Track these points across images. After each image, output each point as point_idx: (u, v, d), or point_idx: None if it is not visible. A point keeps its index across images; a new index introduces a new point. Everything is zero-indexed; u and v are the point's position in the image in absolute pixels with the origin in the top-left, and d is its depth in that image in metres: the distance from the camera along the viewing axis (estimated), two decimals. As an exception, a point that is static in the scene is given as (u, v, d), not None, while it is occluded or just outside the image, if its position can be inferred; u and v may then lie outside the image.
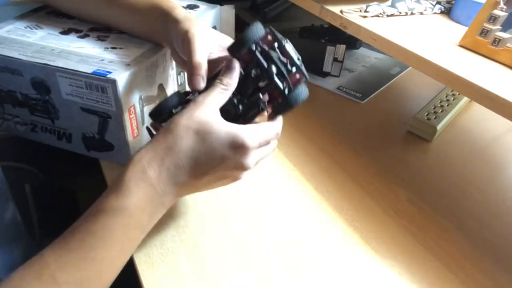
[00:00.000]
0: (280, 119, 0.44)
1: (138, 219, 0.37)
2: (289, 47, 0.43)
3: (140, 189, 0.37)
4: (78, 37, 0.55)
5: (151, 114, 0.44)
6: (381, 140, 0.70)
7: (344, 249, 0.49)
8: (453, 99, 0.78)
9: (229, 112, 0.42)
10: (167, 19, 0.48)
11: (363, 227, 0.52)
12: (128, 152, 0.54)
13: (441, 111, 0.73)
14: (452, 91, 0.80)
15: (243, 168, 0.40)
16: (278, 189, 0.57)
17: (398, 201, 0.57)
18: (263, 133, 0.41)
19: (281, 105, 0.43)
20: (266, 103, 0.43)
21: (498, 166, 0.67)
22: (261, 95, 0.42)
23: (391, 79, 0.87)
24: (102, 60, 0.49)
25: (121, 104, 0.48)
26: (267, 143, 0.42)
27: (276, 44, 0.43)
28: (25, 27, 0.56)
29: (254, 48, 0.42)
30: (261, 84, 0.43)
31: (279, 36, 0.43)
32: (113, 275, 0.37)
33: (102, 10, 0.56)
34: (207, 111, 0.39)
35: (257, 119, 0.45)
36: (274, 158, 0.62)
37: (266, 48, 0.43)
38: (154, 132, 0.46)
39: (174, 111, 0.44)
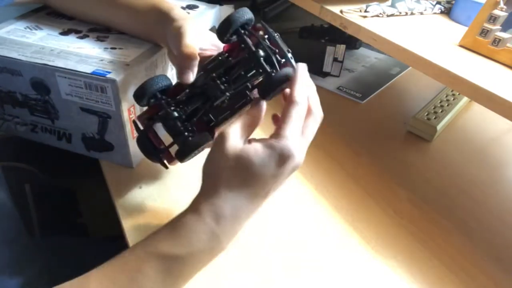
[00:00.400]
0: (300, 96, 0.42)
1: (191, 268, 0.37)
2: (278, 39, 0.43)
3: (194, 242, 0.36)
4: (77, 37, 0.55)
5: (135, 94, 0.43)
6: (381, 140, 0.70)
7: (344, 249, 0.49)
8: (453, 99, 0.78)
9: (216, 100, 0.43)
10: (165, 20, 0.48)
11: (363, 227, 0.52)
12: (128, 152, 0.54)
13: (441, 111, 0.73)
14: (452, 91, 0.80)
15: (298, 167, 0.39)
16: (278, 189, 0.57)
17: (398, 201, 0.57)
18: (296, 127, 0.40)
19: (266, 84, 0.42)
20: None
21: (498, 166, 0.67)
22: (249, 85, 0.42)
23: (391, 79, 0.87)
24: (102, 60, 0.49)
25: (120, 104, 0.48)
26: (305, 128, 0.41)
27: (266, 36, 0.43)
28: (25, 28, 0.56)
29: (242, 31, 0.42)
30: (249, 74, 0.43)
31: (270, 30, 0.43)
32: None
33: (102, 11, 0.56)
34: (234, 143, 0.39)
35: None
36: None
37: (258, 34, 0.43)
38: (141, 127, 0.46)
39: (159, 95, 0.44)
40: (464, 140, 0.71)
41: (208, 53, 0.48)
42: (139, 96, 0.44)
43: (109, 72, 0.47)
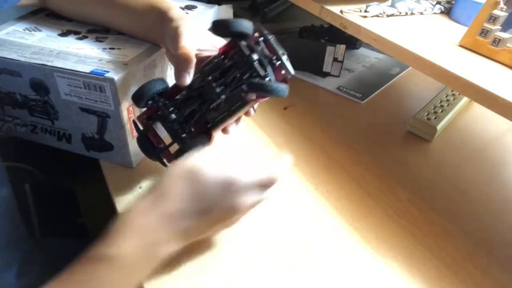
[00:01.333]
0: (282, 163, 0.44)
1: (129, 269, 0.36)
2: (274, 42, 0.43)
3: (131, 239, 0.36)
4: (76, 38, 0.55)
5: (133, 97, 0.44)
6: (381, 140, 0.69)
7: (344, 249, 0.49)
8: (453, 99, 0.78)
9: (212, 102, 0.44)
10: (163, 19, 0.48)
11: (363, 227, 0.52)
12: (128, 152, 0.54)
13: (441, 111, 0.73)
14: (452, 91, 0.80)
15: (239, 209, 0.39)
16: (278, 189, 0.57)
17: (398, 201, 0.57)
18: (258, 174, 0.40)
19: (257, 82, 0.42)
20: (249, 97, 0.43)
21: (498, 166, 0.67)
22: (244, 87, 0.42)
23: (391, 79, 0.87)
24: (100, 60, 0.49)
25: (119, 104, 0.48)
26: (265, 185, 0.41)
27: (261, 39, 0.43)
28: (24, 29, 0.56)
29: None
30: (245, 76, 0.43)
31: (265, 31, 0.43)
32: None
33: (100, 12, 0.56)
34: (197, 158, 0.40)
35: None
36: (274, 158, 0.62)
37: (252, 42, 0.43)
38: (141, 127, 0.47)
39: (157, 98, 0.45)
40: (464, 140, 0.71)
41: (207, 53, 0.48)
42: (137, 99, 0.45)
43: (108, 72, 0.47)
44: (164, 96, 0.46)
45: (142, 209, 0.37)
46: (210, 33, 0.50)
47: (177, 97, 0.46)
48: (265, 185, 0.41)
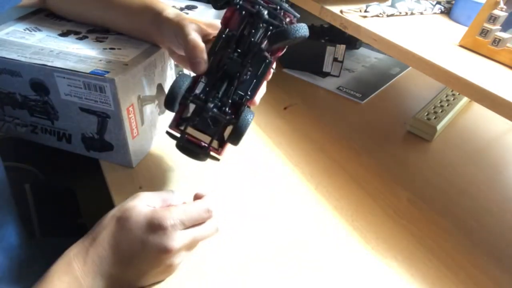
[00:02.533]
0: (207, 198, 0.43)
1: None
2: None
3: (62, 282, 0.36)
4: (76, 38, 0.55)
5: (167, 102, 0.43)
6: (381, 140, 0.69)
7: (344, 249, 0.49)
8: (453, 99, 0.78)
9: (241, 75, 0.43)
10: (159, 19, 0.49)
11: (363, 227, 0.52)
12: (128, 152, 0.54)
13: (441, 111, 0.73)
14: (452, 91, 0.80)
15: (166, 250, 0.38)
16: (278, 189, 0.57)
17: (398, 201, 0.57)
18: (184, 212, 0.40)
19: (278, 32, 0.41)
20: (270, 55, 0.43)
21: (498, 166, 0.67)
22: (262, 47, 0.42)
23: (391, 79, 0.87)
24: (100, 60, 0.49)
25: (119, 104, 0.48)
26: (196, 222, 0.41)
27: None
28: (24, 30, 0.56)
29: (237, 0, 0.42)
30: (258, 37, 0.42)
31: None
32: None
33: (99, 13, 0.56)
34: (135, 200, 0.40)
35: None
36: (274, 158, 0.62)
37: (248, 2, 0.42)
38: (177, 135, 0.46)
39: (186, 94, 0.43)
40: (464, 140, 0.71)
41: (211, 37, 0.48)
42: (171, 102, 0.43)
43: (108, 72, 0.47)
44: (190, 92, 0.44)
45: (78, 252, 0.38)
46: (208, 19, 0.50)
47: (204, 87, 0.45)
48: (188, 223, 0.40)
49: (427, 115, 0.71)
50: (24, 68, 0.49)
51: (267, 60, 0.43)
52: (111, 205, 0.52)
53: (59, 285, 0.36)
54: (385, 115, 0.76)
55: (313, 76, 0.85)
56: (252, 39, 0.42)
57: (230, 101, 0.44)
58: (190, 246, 0.41)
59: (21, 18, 0.59)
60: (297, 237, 0.50)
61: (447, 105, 0.75)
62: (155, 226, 0.37)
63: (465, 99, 0.79)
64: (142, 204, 0.40)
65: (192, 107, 0.45)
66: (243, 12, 0.42)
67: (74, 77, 0.47)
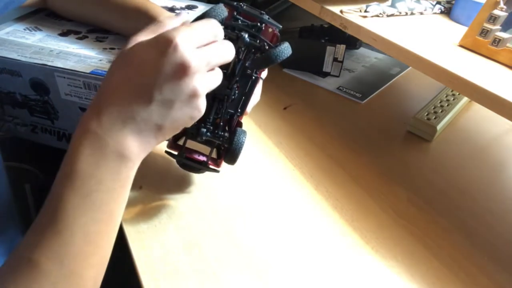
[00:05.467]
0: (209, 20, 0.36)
1: (95, 179, 0.32)
2: (247, 8, 0.43)
3: (85, 147, 0.32)
4: (77, 38, 0.55)
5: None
6: (381, 140, 0.69)
7: (344, 249, 0.49)
8: (453, 99, 0.78)
9: (229, 97, 0.44)
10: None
11: (363, 227, 0.52)
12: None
13: (441, 111, 0.73)
14: (452, 91, 0.80)
15: (183, 66, 0.32)
16: (278, 189, 0.57)
17: (398, 201, 0.57)
18: (191, 28, 0.33)
19: (261, 59, 0.41)
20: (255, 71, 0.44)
21: (498, 166, 0.67)
22: (247, 65, 0.43)
23: (391, 79, 0.87)
24: (101, 60, 0.49)
25: (120, 105, 0.48)
26: (206, 39, 0.34)
27: (234, 13, 0.43)
28: (24, 29, 0.56)
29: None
30: (241, 56, 0.43)
31: (234, 3, 0.43)
32: (89, 246, 0.32)
33: (98, 14, 0.57)
34: (131, 41, 0.35)
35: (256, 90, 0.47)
36: (274, 158, 0.62)
37: (230, 22, 0.43)
38: (175, 153, 0.49)
39: None
40: (464, 140, 0.71)
41: None
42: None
43: (109, 72, 0.47)
44: None
45: (90, 112, 0.33)
46: None
47: None
48: (198, 39, 0.34)
49: (427, 115, 0.71)
50: (24, 68, 0.49)
51: (253, 77, 0.44)
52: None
53: (82, 149, 0.32)
54: (385, 115, 0.76)
55: (313, 76, 0.85)
56: (236, 60, 0.43)
57: (221, 123, 0.46)
58: (208, 65, 0.34)
59: (21, 18, 0.59)
60: (296, 237, 0.50)
61: (447, 105, 0.75)
62: (162, 45, 0.32)
63: (465, 99, 0.79)
64: (141, 39, 0.35)
65: None
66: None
67: (74, 77, 0.48)
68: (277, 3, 1.08)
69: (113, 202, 0.34)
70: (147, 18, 0.51)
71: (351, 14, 0.56)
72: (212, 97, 0.45)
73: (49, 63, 0.48)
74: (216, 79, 0.36)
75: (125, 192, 0.36)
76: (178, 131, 0.36)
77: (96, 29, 0.57)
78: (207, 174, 0.56)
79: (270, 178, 0.59)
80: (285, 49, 0.40)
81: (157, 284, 0.43)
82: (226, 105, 0.45)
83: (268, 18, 0.43)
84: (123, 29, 0.56)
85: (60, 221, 0.31)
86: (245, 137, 0.46)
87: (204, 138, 0.45)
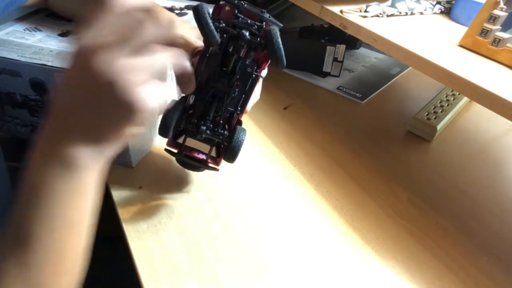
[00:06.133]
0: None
1: (47, 190, 0.33)
2: (248, 7, 0.43)
3: (34, 159, 0.34)
4: (77, 37, 0.55)
5: (159, 133, 0.45)
6: (381, 140, 0.69)
7: (344, 249, 0.49)
8: (453, 99, 0.78)
9: (229, 95, 0.44)
10: None
11: (363, 227, 0.52)
12: (128, 152, 0.54)
13: (441, 111, 0.73)
14: (452, 91, 0.80)
15: (80, 49, 0.30)
16: (278, 189, 0.57)
17: (398, 201, 0.57)
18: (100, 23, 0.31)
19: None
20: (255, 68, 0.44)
21: (498, 166, 0.67)
22: (247, 63, 0.43)
23: (391, 79, 0.87)
24: (102, 60, 0.49)
25: (120, 105, 0.48)
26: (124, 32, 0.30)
27: (236, 11, 0.43)
28: (24, 30, 0.56)
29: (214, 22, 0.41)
30: (242, 54, 0.42)
31: (235, 1, 0.42)
32: (53, 254, 0.33)
33: None
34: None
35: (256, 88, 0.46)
36: (274, 158, 0.62)
37: (231, 19, 0.42)
38: (174, 150, 0.49)
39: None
40: (464, 140, 0.71)
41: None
42: (165, 132, 0.45)
43: (109, 73, 0.47)
44: (182, 113, 0.46)
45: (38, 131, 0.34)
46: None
47: (196, 110, 0.46)
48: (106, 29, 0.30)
49: (427, 115, 0.71)
50: (24, 68, 0.49)
51: (254, 75, 0.44)
52: (111, 205, 0.52)
53: (32, 164, 0.33)
54: (385, 115, 0.76)
55: (313, 76, 0.85)
56: (236, 59, 0.43)
57: (221, 121, 0.46)
58: (122, 38, 0.30)
59: (21, 18, 0.59)
60: (296, 237, 0.50)
61: (447, 105, 0.75)
62: (79, 61, 0.31)
63: (465, 99, 0.79)
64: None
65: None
66: (225, 35, 0.42)
67: (74, 77, 0.47)
68: (277, 3, 1.08)
69: (71, 210, 0.34)
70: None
71: (351, 14, 0.56)
72: (212, 95, 0.45)
73: (49, 63, 0.48)
74: (135, 62, 0.31)
75: (84, 200, 0.35)
76: (121, 135, 0.34)
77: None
78: (207, 173, 0.56)
79: (270, 178, 0.59)
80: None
81: (157, 284, 0.43)
82: (226, 103, 0.45)
83: (269, 17, 0.43)
84: None
85: (22, 232, 0.32)
86: (245, 135, 0.46)
87: (203, 136, 0.45)
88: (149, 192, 0.54)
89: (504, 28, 0.47)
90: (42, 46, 0.52)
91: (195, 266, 0.45)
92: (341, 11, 0.57)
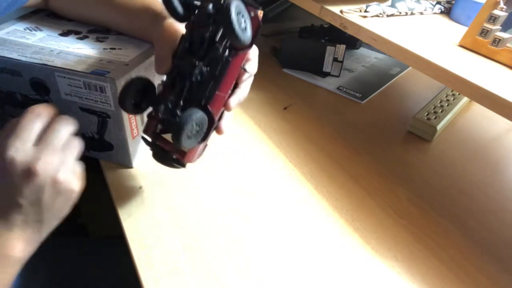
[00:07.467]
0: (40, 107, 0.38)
1: None
2: None
3: None
4: (77, 38, 0.55)
5: (119, 103, 0.42)
6: (381, 140, 0.70)
7: (344, 249, 0.49)
8: (453, 99, 0.78)
9: (192, 75, 0.40)
10: (158, 19, 0.49)
11: (363, 227, 0.52)
12: (128, 152, 0.54)
13: (441, 111, 0.73)
14: (452, 91, 0.80)
15: (29, 172, 0.34)
16: (278, 189, 0.57)
17: (398, 201, 0.57)
18: (17, 132, 0.35)
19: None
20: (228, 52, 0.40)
21: (498, 166, 0.67)
22: (218, 45, 0.39)
23: (391, 79, 0.87)
24: (101, 60, 0.49)
25: (120, 104, 0.48)
26: (37, 132, 0.36)
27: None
28: (25, 29, 0.56)
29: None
30: (209, 31, 0.39)
31: None
32: None
33: (101, 13, 0.56)
34: None
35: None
36: (274, 158, 0.62)
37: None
38: (148, 138, 0.45)
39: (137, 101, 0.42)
40: (464, 140, 0.71)
41: None
42: (121, 103, 0.42)
43: (108, 72, 0.47)
44: (154, 94, 0.43)
45: None
46: None
47: (163, 89, 0.43)
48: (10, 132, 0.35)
49: (427, 115, 0.71)
50: (25, 68, 0.49)
51: (224, 60, 0.40)
52: (111, 205, 0.52)
53: None
54: (385, 115, 0.76)
55: (313, 76, 0.85)
56: (205, 36, 0.39)
57: (181, 102, 0.41)
58: (52, 150, 0.36)
59: (22, 18, 0.59)
60: (296, 237, 0.50)
61: (447, 105, 0.75)
62: (1, 169, 0.34)
63: (465, 99, 0.79)
64: None
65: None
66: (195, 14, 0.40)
67: (75, 77, 0.47)
68: (277, 3, 1.08)
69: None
70: (151, 14, 0.50)
71: (351, 14, 0.56)
72: (177, 73, 0.41)
73: (50, 63, 0.48)
74: (68, 154, 0.39)
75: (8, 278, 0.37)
76: (61, 218, 0.39)
77: (96, 29, 0.57)
78: (207, 174, 0.57)
79: (270, 178, 0.59)
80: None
81: (157, 284, 0.43)
82: (190, 85, 0.41)
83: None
84: (127, 26, 0.56)
85: None
86: (199, 117, 0.40)
87: (159, 115, 0.41)
88: (149, 192, 0.54)
89: (504, 28, 0.47)
90: (43, 46, 0.52)
91: (195, 266, 0.45)
92: (341, 11, 0.57)
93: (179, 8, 0.39)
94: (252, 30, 0.39)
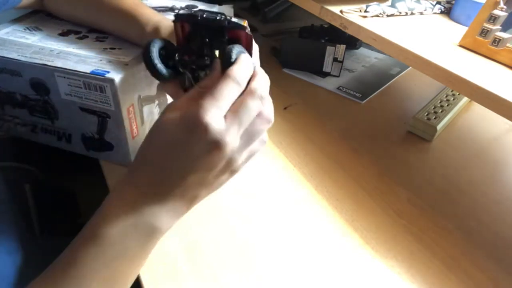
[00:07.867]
0: (232, 69, 0.34)
1: (121, 247, 0.33)
2: (207, 16, 0.38)
3: (118, 215, 0.33)
4: (77, 38, 0.55)
5: (151, 73, 0.40)
6: (381, 140, 0.69)
7: (344, 249, 0.49)
8: (453, 99, 0.78)
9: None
10: (143, 36, 0.50)
11: (363, 227, 0.52)
12: (128, 152, 0.54)
13: (441, 111, 0.73)
14: (452, 91, 0.80)
15: (216, 148, 0.32)
16: (278, 189, 0.57)
17: (398, 201, 0.57)
18: (213, 96, 0.32)
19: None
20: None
21: (498, 166, 0.67)
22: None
23: (391, 79, 0.87)
24: (101, 60, 0.49)
25: (119, 104, 0.48)
26: (233, 99, 0.33)
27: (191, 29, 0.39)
28: (24, 29, 0.56)
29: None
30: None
31: (194, 12, 0.38)
32: None
33: (94, 16, 0.56)
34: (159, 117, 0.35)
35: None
36: (273, 158, 0.62)
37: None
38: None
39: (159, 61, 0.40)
40: (464, 140, 0.71)
41: None
42: (151, 69, 0.40)
43: (108, 72, 0.47)
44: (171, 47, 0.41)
45: (125, 183, 0.35)
46: None
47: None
48: (226, 105, 0.32)
49: (427, 115, 0.71)
50: (24, 68, 0.49)
51: (230, 56, 0.35)
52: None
53: (115, 219, 0.33)
54: (385, 115, 0.76)
55: (313, 76, 0.85)
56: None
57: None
58: (240, 129, 0.33)
59: (21, 18, 0.59)
60: (297, 237, 0.50)
61: (447, 105, 0.75)
62: (192, 127, 0.31)
63: (465, 99, 0.79)
64: (172, 113, 0.33)
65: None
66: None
67: (75, 77, 0.47)
68: (277, 3, 1.08)
69: (132, 267, 0.35)
70: (136, 29, 0.51)
71: (351, 14, 0.56)
72: (205, 33, 0.39)
73: (49, 63, 0.48)
74: (254, 139, 0.37)
75: (146, 258, 0.37)
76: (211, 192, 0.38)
77: (95, 29, 0.57)
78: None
79: (270, 178, 0.59)
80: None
81: (157, 284, 0.43)
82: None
83: (228, 23, 0.37)
84: (114, 32, 0.56)
85: (76, 278, 0.33)
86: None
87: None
88: (149, 192, 0.53)
89: (504, 28, 0.47)
90: (43, 46, 0.52)
91: (195, 266, 0.45)
92: (341, 11, 0.57)
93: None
94: (244, 44, 0.38)
